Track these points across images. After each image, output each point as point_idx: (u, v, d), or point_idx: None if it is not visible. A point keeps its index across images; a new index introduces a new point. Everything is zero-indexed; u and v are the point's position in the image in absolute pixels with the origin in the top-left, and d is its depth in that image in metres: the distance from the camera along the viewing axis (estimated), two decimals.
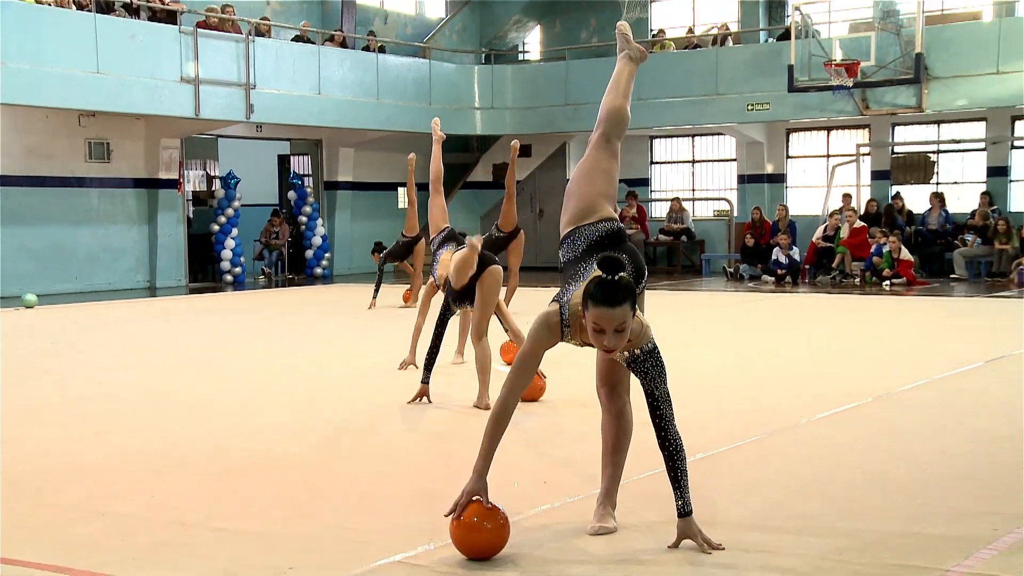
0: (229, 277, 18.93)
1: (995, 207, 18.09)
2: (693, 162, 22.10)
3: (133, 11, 16.77)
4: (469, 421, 6.45)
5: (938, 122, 19.30)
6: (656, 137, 22.13)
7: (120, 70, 15.73)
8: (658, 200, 22.08)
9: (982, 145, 19.08)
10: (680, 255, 20.92)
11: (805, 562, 3.83)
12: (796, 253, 17.95)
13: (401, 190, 21.08)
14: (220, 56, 17.03)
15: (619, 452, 4.31)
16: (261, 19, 18.87)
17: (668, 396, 3.97)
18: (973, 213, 18.05)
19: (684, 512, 3.96)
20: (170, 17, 16.83)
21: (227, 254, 18.99)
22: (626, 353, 3.95)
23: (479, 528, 3.83)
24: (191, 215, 19.70)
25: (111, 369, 8.83)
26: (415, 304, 11.51)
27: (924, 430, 6.10)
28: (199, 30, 16.82)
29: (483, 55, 23.11)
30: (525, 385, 4.02)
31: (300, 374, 8.48)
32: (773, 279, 17.73)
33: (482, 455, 3.93)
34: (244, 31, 17.69)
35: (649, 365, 3.93)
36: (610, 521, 4.20)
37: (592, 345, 3.92)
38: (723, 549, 3.93)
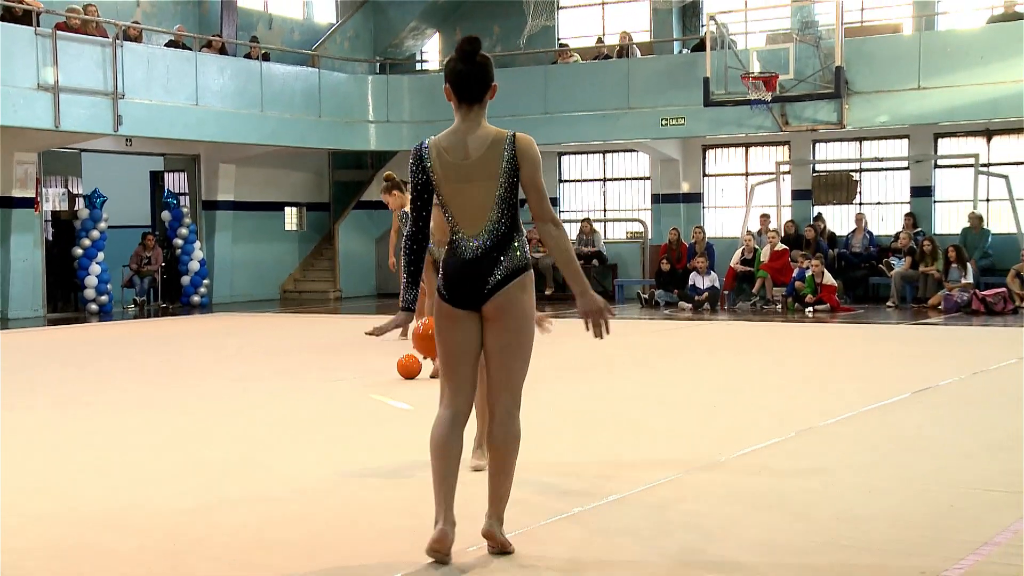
0: (94, 306, 18.46)
1: (919, 229, 18.55)
2: (604, 180, 22.34)
3: None
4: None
5: (860, 139, 19.83)
6: (564, 154, 22.32)
7: None
8: (567, 221, 22.22)
9: (905, 164, 19.64)
10: (591, 281, 21.03)
11: None
12: (715, 278, 18.15)
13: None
14: (83, 62, 16.67)
15: (511, 468, 4.56)
16: (131, 22, 18.54)
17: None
18: (897, 235, 18.47)
19: None
20: (25, 17, 16.40)
21: (92, 281, 18.51)
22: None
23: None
24: (50, 237, 19.18)
25: None
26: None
27: (849, 467, 6.19)
28: (59, 32, 16.43)
29: (377, 64, 23.05)
30: None
31: (177, 412, 8.27)
32: (691, 306, 17.93)
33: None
34: (111, 35, 17.35)
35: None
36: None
37: None
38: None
